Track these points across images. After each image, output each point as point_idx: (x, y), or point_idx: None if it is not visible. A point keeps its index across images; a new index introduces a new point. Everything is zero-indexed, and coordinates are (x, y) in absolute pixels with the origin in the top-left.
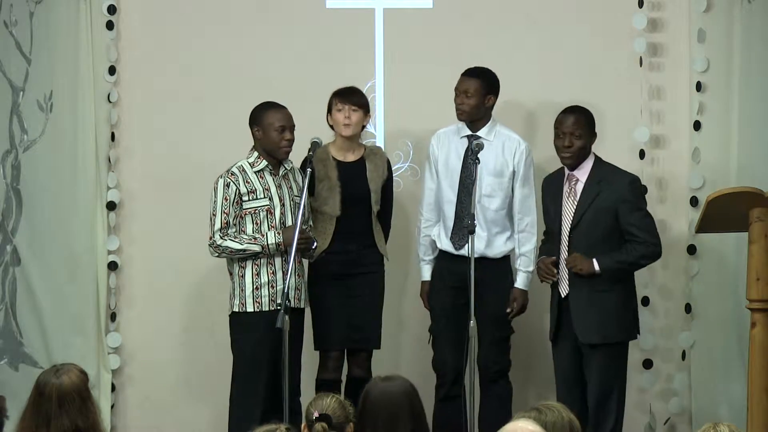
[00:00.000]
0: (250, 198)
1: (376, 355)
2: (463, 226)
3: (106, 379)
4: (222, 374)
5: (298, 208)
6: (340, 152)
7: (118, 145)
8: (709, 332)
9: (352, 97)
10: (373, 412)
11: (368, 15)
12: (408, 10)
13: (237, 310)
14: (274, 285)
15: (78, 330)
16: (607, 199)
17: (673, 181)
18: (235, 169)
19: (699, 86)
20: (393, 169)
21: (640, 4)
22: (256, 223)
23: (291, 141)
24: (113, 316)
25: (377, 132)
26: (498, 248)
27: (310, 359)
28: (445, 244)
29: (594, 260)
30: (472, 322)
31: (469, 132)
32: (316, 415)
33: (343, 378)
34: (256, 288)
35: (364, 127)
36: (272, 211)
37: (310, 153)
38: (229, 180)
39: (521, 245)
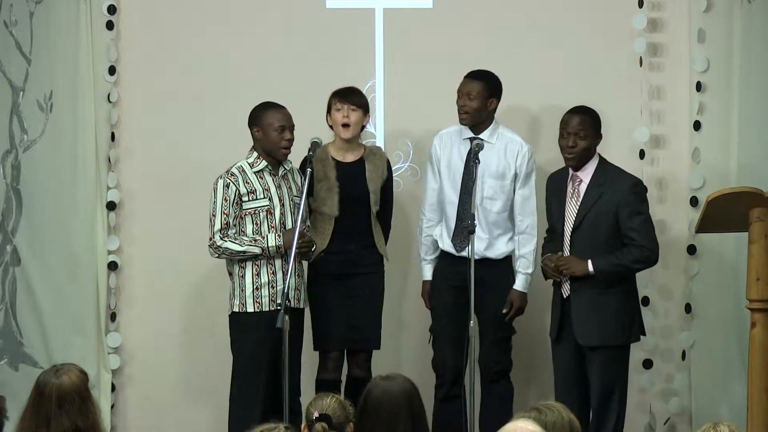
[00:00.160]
0: (250, 198)
1: (376, 355)
2: (463, 226)
3: (106, 379)
4: (222, 374)
5: (298, 208)
6: (339, 152)
7: (118, 145)
8: (709, 332)
9: (351, 97)
10: (374, 411)
11: (368, 15)
12: (408, 10)
13: (237, 310)
14: (275, 285)
15: (78, 330)
16: (609, 202)
17: (673, 181)
18: (234, 170)
19: (699, 86)
20: (393, 169)
21: (640, 4)
22: (256, 224)
23: (291, 141)
24: (113, 316)
25: (377, 132)
26: (499, 249)
27: (310, 359)
28: (447, 245)
29: (589, 261)
30: (472, 322)
31: (471, 134)
32: (316, 415)
33: (343, 378)
34: (257, 288)
35: (363, 127)
36: (272, 211)
37: (310, 153)
38: (228, 180)
39: (521, 247)
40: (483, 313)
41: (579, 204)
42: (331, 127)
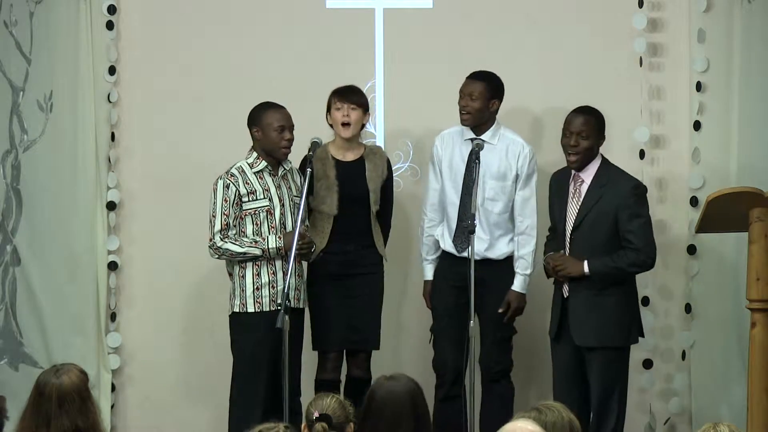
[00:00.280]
0: (250, 199)
1: (376, 355)
2: (463, 226)
3: (106, 379)
4: (222, 374)
5: (298, 208)
6: (339, 151)
7: (118, 145)
8: (709, 332)
9: (351, 96)
10: (378, 411)
11: (368, 15)
12: (408, 10)
13: (238, 310)
14: (275, 285)
15: (78, 330)
16: (609, 203)
17: (673, 181)
18: (234, 170)
19: (699, 86)
20: (393, 169)
21: (640, 4)
22: (256, 224)
23: (291, 141)
24: (113, 316)
25: (377, 132)
26: (500, 250)
27: (309, 359)
28: (448, 246)
29: (585, 262)
30: (473, 322)
31: (473, 135)
32: (316, 415)
33: (342, 378)
34: (257, 288)
35: (363, 125)
36: (272, 211)
37: (310, 153)
38: (228, 181)
39: (520, 248)
40: (484, 313)
41: (580, 204)
42: (331, 126)
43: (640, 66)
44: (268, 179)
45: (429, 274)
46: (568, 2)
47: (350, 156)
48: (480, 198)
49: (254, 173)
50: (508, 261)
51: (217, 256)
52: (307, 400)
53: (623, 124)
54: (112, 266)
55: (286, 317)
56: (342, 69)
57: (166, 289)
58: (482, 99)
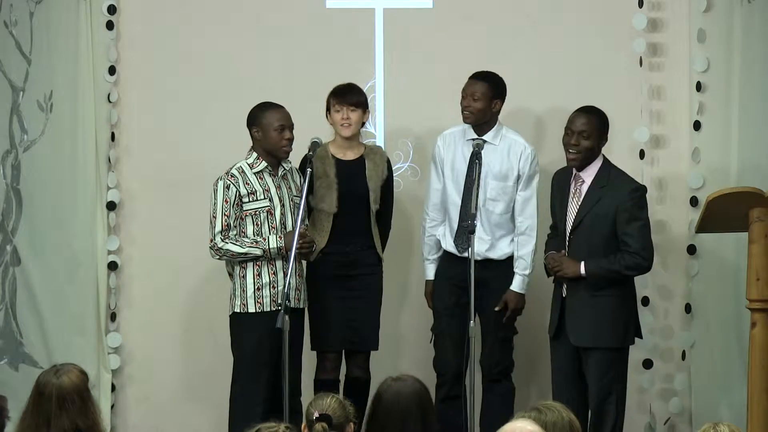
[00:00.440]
0: (251, 199)
1: (376, 355)
2: (464, 226)
3: (106, 379)
4: (222, 374)
5: (298, 208)
6: (339, 150)
7: (118, 145)
8: (709, 332)
9: (349, 97)
10: (385, 412)
11: (368, 15)
12: (408, 10)
13: (239, 310)
14: (276, 285)
15: (78, 330)
16: (608, 205)
17: (673, 181)
18: (234, 171)
19: (699, 86)
20: (393, 169)
21: (640, 4)
22: (257, 225)
23: (291, 140)
24: (113, 316)
25: (377, 132)
26: (502, 250)
27: (309, 359)
28: (450, 246)
29: (582, 263)
30: (473, 322)
31: (475, 135)
32: (316, 415)
33: (341, 378)
34: (258, 288)
35: (363, 123)
36: (272, 212)
37: (310, 153)
38: (229, 182)
39: (520, 248)
40: (485, 313)
41: (579, 205)
42: (332, 124)
43: (640, 66)
44: (268, 179)
45: (430, 273)
46: (568, 2)
47: (350, 155)
48: (481, 198)
49: (254, 173)
50: (510, 261)
51: (218, 256)
52: (307, 400)
53: (623, 124)
54: (112, 266)
55: (286, 317)
56: (342, 69)
57: (166, 289)
58: (485, 99)
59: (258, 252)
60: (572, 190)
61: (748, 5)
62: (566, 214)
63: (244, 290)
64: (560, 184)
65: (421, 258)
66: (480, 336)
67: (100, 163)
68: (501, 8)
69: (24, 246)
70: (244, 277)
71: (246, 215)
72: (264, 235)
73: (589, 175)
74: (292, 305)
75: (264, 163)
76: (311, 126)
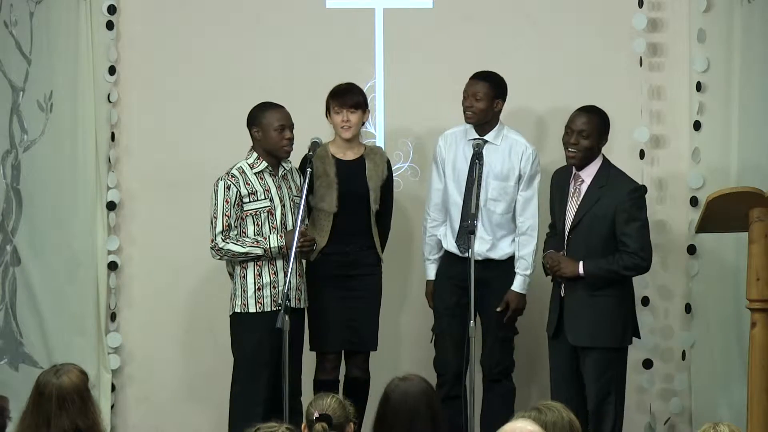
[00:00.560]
0: (251, 200)
1: (376, 355)
2: (464, 227)
3: (106, 379)
4: (222, 374)
5: (298, 208)
6: (339, 150)
7: (118, 145)
8: (709, 332)
9: (348, 99)
10: (393, 412)
11: (368, 15)
12: (408, 10)
13: (239, 310)
14: (276, 285)
15: (78, 330)
16: (607, 205)
17: (673, 181)
18: (235, 171)
19: (699, 86)
20: (393, 169)
21: (640, 4)
22: (258, 225)
23: (291, 140)
24: (113, 316)
25: (377, 132)
26: (503, 251)
27: (309, 359)
28: (451, 246)
29: (580, 263)
30: (473, 322)
31: (476, 135)
32: (316, 415)
33: (341, 378)
34: (258, 288)
35: (363, 123)
36: (273, 212)
37: (310, 153)
38: (229, 182)
39: (521, 248)
40: (485, 313)
41: (578, 204)
42: (331, 125)
43: (640, 66)
44: (269, 179)
45: (431, 273)
46: (568, 2)
47: (350, 155)
48: (483, 198)
49: (255, 174)
50: (511, 261)
51: (219, 257)
52: (307, 401)
53: (623, 124)
54: (112, 266)
55: (287, 317)
56: (342, 69)
57: (166, 289)
58: (487, 99)
59: (259, 251)
60: (571, 189)
61: (748, 5)
62: (565, 214)
63: (244, 290)
64: (559, 184)
65: (421, 258)
66: (480, 336)
67: (100, 163)
68: (501, 8)
69: (24, 246)
70: (245, 277)
71: (247, 215)
72: (265, 235)
73: (588, 174)
74: (293, 305)
75: (264, 163)
76: (311, 126)
